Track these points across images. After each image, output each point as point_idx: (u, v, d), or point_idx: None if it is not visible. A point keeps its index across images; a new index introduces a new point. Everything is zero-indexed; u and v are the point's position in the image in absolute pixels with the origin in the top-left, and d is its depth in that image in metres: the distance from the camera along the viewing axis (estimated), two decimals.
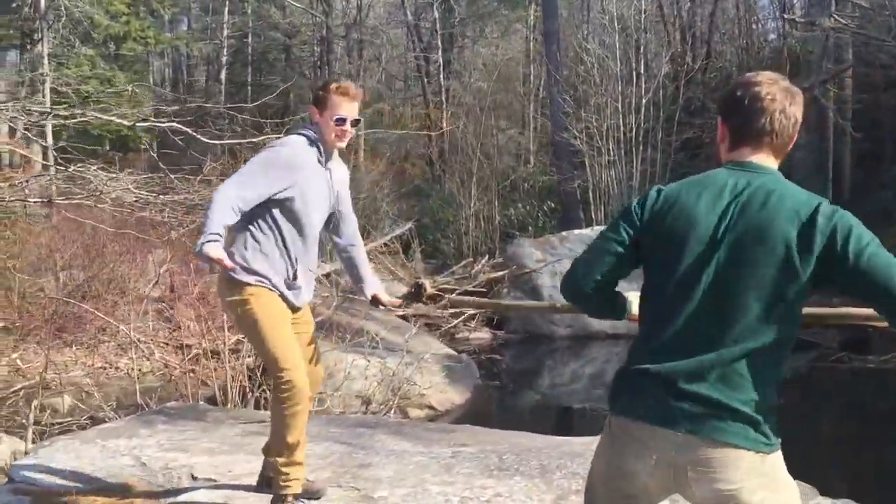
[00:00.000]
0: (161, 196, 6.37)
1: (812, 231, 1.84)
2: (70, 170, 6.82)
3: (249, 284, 3.18)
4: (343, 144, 3.31)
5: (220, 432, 4.49)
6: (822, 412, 9.27)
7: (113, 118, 6.59)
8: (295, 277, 3.26)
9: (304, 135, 3.27)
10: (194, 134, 6.20)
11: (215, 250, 2.92)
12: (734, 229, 1.89)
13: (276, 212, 3.20)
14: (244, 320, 3.22)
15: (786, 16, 18.06)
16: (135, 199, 6.31)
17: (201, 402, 6.06)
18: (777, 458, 1.90)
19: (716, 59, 22.21)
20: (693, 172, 2.18)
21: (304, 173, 3.21)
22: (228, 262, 2.98)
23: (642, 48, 18.86)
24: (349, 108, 3.26)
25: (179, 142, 7.58)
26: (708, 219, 1.91)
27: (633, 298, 2.16)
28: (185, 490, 3.56)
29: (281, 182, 3.14)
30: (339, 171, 3.45)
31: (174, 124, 6.53)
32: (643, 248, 2.01)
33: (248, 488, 3.53)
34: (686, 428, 1.84)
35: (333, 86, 3.26)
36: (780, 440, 1.90)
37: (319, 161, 3.28)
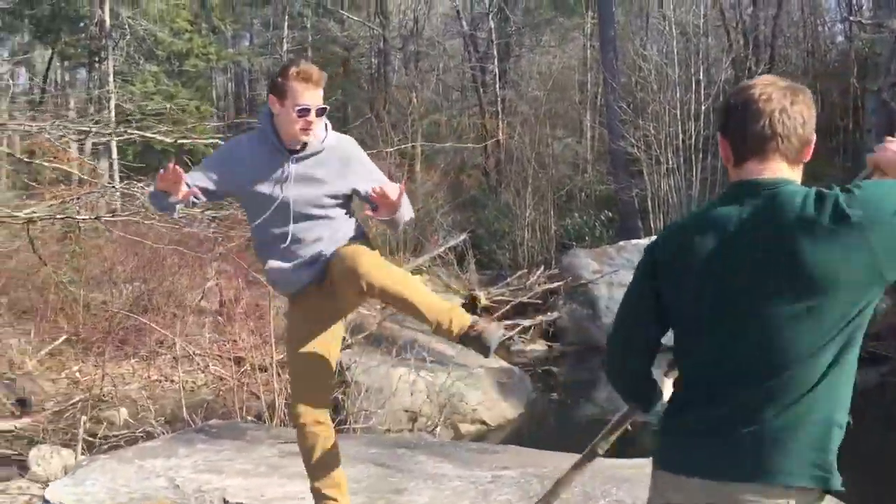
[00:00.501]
0: (206, 211, 6.42)
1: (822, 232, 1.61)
2: (117, 186, 6.94)
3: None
4: (308, 138, 2.94)
5: (258, 453, 4.45)
6: (893, 428, 8.85)
7: (156, 136, 6.68)
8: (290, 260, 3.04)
9: (255, 131, 3.04)
10: None
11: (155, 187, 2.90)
12: (754, 266, 1.69)
13: (246, 210, 3.16)
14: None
15: (852, 18, 17.46)
16: (181, 215, 6.36)
17: (242, 420, 6.04)
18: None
19: (780, 63, 21.61)
20: None
21: (242, 169, 2.99)
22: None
23: (702, 53, 18.46)
24: (312, 96, 2.89)
25: None
26: (719, 263, 1.73)
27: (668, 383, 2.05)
28: None
29: (211, 177, 3.00)
30: (329, 156, 3.03)
31: (216, 141, 6.58)
32: (665, 298, 1.85)
33: None
34: (732, 476, 1.68)
35: (293, 70, 2.87)
36: (840, 479, 1.71)
37: (276, 155, 2.97)
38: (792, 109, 1.73)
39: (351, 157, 3.07)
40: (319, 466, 3.09)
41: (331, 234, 3.05)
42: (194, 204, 3.08)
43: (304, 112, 2.88)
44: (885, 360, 11.05)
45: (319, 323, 3.09)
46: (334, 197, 3.04)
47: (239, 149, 3.06)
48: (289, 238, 3.01)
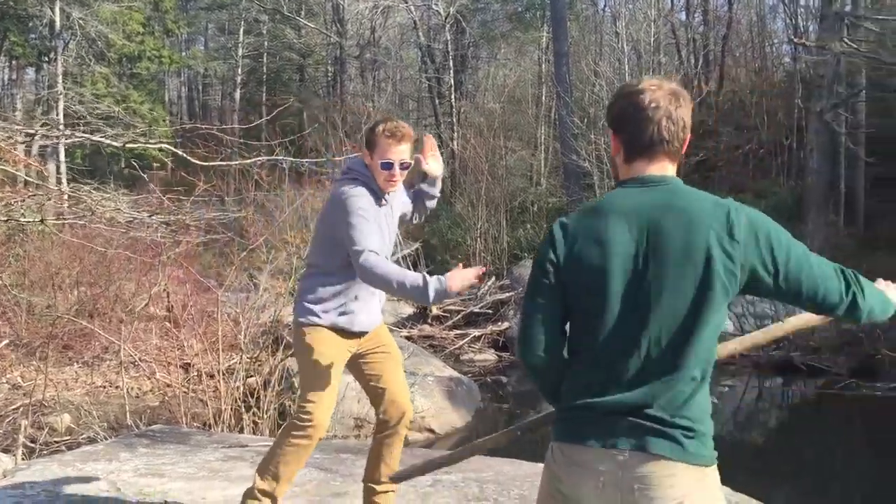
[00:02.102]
0: (154, 216, 6.38)
1: (731, 239, 1.83)
2: (61, 188, 6.86)
3: (308, 325, 3.18)
4: (393, 189, 3.22)
5: (200, 457, 4.45)
6: (828, 439, 9.12)
7: (104, 139, 6.62)
8: (353, 302, 3.21)
9: (359, 181, 3.18)
10: (184, 155, 6.22)
11: (445, 286, 2.87)
12: (655, 254, 1.85)
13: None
14: (298, 355, 3.28)
15: (797, 40, 17.98)
16: (129, 219, 6.31)
17: (186, 426, 6.01)
18: (715, 473, 1.89)
19: (729, 82, 22.16)
20: None
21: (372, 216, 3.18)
22: (473, 274, 2.91)
23: (653, 70, 18.83)
24: (397, 151, 3.14)
25: (196, 161, 7.61)
26: (625, 248, 1.87)
27: None
28: None
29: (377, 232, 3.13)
30: (397, 197, 3.38)
31: (163, 145, 6.56)
32: (567, 291, 1.94)
33: None
34: (631, 444, 1.83)
35: (380, 128, 3.15)
36: (716, 454, 1.88)
37: (377, 203, 3.20)
38: (675, 115, 1.93)
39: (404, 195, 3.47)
40: (291, 464, 3.18)
41: None
42: None
43: (387, 166, 3.14)
44: (823, 373, 11.39)
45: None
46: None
47: (368, 200, 3.16)
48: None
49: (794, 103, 19.35)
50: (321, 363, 3.13)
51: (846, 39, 15.05)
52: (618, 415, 1.85)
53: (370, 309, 3.27)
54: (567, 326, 2.00)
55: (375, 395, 3.34)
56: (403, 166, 3.17)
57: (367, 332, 3.29)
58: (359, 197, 3.12)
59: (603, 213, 1.93)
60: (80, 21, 18.48)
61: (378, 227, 3.12)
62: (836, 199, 16.95)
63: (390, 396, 3.30)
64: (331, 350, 3.16)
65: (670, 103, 1.93)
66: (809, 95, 17.35)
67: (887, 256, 14.07)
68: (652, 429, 1.83)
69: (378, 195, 3.19)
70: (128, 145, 6.55)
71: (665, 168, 1.96)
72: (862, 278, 1.97)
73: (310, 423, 3.10)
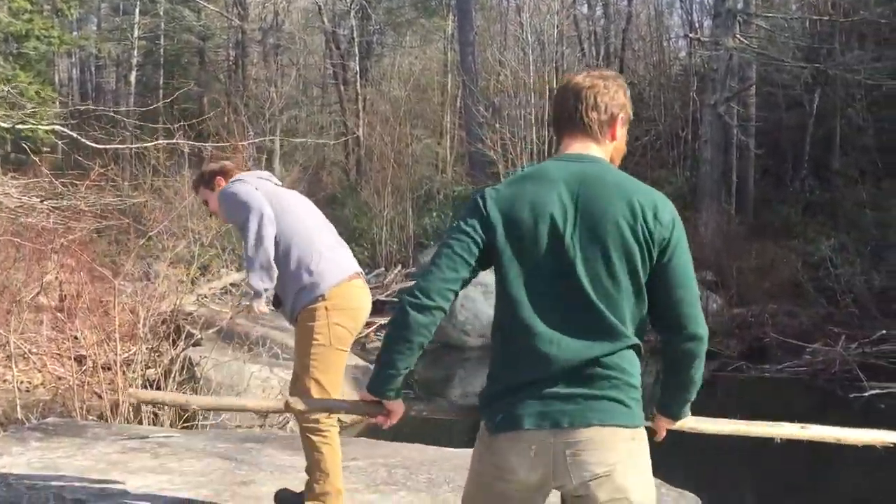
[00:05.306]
0: (46, 201, 6.06)
1: (654, 226, 1.89)
2: None
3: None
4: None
5: (97, 450, 4.29)
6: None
7: None
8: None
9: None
10: (77, 137, 5.94)
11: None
12: (582, 222, 1.89)
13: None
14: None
15: (692, 35, 18.62)
16: (17, 203, 5.98)
17: (82, 419, 5.79)
18: (644, 439, 1.94)
19: (628, 74, 22.74)
20: None
21: None
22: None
23: (556, 61, 19.15)
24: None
25: (91, 144, 7.26)
26: (554, 213, 1.90)
27: None
28: None
29: None
30: None
31: (56, 127, 6.22)
32: (493, 250, 1.94)
33: None
34: (567, 421, 1.84)
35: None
36: (645, 422, 1.95)
37: None
38: (601, 99, 2.02)
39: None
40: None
41: None
42: None
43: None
44: (715, 356, 11.86)
45: None
46: None
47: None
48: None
49: (690, 96, 20.02)
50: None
51: (738, 35, 15.71)
52: (551, 392, 1.86)
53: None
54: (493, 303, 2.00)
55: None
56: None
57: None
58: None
59: (533, 179, 1.97)
60: None
61: None
62: (728, 189, 17.67)
63: None
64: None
65: (596, 86, 2.02)
66: (704, 89, 18.00)
67: (773, 243, 14.80)
68: (584, 394, 1.86)
69: None
70: (16, 126, 6.19)
71: (591, 149, 2.03)
72: None
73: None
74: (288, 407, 2.14)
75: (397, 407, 2.06)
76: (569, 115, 2.03)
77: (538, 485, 1.91)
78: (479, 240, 1.93)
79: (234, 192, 3.35)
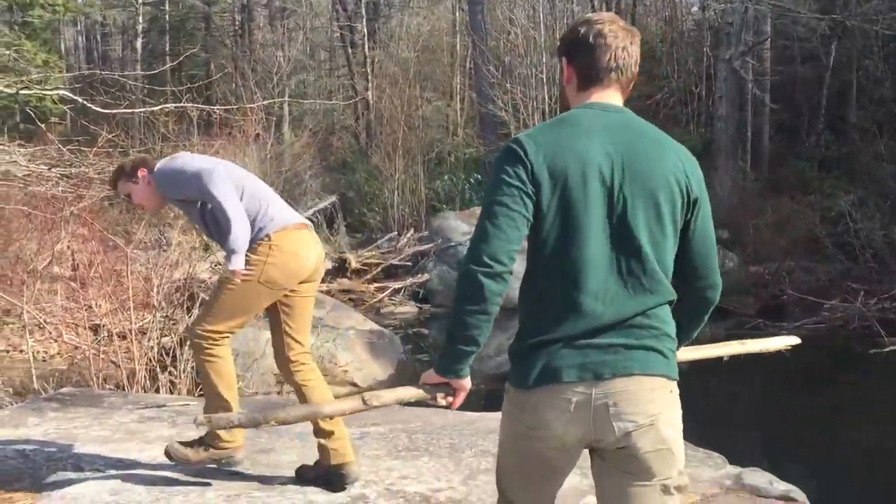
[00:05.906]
0: (54, 168, 5.98)
1: (690, 178, 1.90)
2: None
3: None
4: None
5: (114, 419, 4.25)
6: (742, 378, 9.45)
7: None
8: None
9: None
10: (84, 102, 5.83)
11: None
12: (630, 174, 1.84)
13: None
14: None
15: None
16: (26, 172, 5.91)
17: (98, 388, 5.76)
18: (677, 393, 1.90)
19: (640, 30, 22.27)
20: None
21: None
22: None
23: (567, 18, 18.82)
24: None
25: (98, 109, 7.13)
26: (602, 164, 1.83)
27: None
28: (71, 483, 3.32)
29: None
30: None
31: (60, 91, 6.11)
32: (538, 201, 1.81)
33: (137, 479, 3.32)
34: (608, 372, 1.80)
35: None
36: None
37: None
38: (630, 49, 1.96)
39: None
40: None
41: None
42: None
43: None
44: (732, 315, 11.77)
45: None
46: None
47: None
48: None
49: (703, 52, 19.68)
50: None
51: None
52: (590, 337, 1.81)
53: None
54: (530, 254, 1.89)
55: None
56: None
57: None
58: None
59: (569, 126, 1.88)
60: None
61: None
62: (743, 145, 17.42)
63: None
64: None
65: (627, 37, 1.95)
66: (718, 43, 17.66)
67: (788, 198, 14.61)
68: (625, 344, 1.82)
69: None
70: (22, 91, 6.08)
71: (617, 99, 1.97)
72: None
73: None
74: (366, 403, 2.00)
75: (467, 385, 1.95)
76: (598, 60, 1.94)
77: (575, 442, 1.84)
78: (529, 191, 1.81)
79: (180, 165, 3.32)
